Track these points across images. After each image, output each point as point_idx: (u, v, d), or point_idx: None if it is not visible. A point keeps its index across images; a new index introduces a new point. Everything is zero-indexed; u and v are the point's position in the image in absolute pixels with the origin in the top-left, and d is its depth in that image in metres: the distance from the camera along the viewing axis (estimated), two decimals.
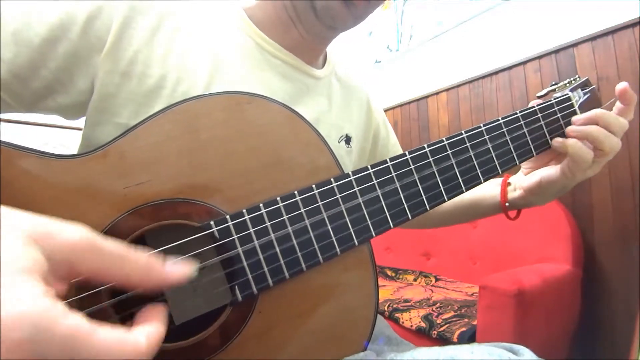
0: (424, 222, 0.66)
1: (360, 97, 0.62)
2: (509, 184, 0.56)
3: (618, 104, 0.48)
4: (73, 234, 0.22)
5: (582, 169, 0.47)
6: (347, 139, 0.57)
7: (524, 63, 1.61)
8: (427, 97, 2.09)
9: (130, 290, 0.24)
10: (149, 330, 0.22)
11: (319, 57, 0.55)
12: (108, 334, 0.19)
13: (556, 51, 1.49)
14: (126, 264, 0.23)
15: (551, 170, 0.49)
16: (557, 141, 0.48)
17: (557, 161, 0.51)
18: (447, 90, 1.97)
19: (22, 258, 0.19)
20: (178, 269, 0.25)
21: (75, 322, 0.19)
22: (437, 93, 2.03)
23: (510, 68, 1.66)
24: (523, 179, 0.53)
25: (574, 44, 1.42)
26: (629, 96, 0.47)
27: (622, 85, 0.47)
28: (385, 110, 2.29)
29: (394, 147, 0.68)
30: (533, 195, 0.52)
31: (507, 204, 0.55)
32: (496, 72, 1.72)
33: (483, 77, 1.78)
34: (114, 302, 0.29)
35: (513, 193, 0.55)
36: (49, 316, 0.18)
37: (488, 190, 0.58)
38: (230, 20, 0.48)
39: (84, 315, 0.19)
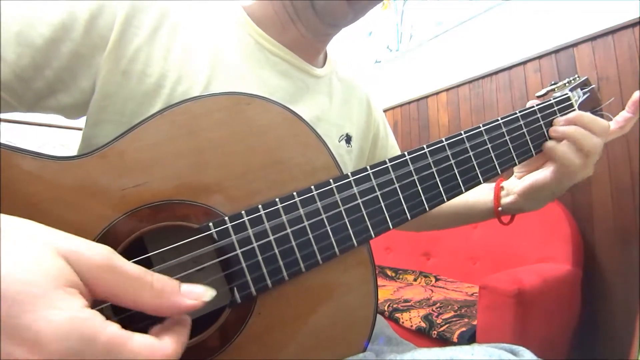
0: (417, 225, 0.66)
1: (360, 97, 0.62)
2: (502, 188, 0.56)
3: (624, 113, 0.49)
4: (98, 254, 0.22)
5: (570, 175, 0.47)
6: (348, 138, 0.57)
7: (524, 63, 1.61)
8: (427, 97, 2.09)
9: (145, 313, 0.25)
10: (175, 335, 0.24)
11: (319, 55, 0.55)
12: (142, 340, 0.21)
13: (556, 51, 1.48)
14: (142, 288, 0.23)
15: (541, 174, 0.50)
16: (548, 145, 0.48)
17: (548, 165, 0.51)
18: (447, 90, 1.97)
19: (57, 270, 0.20)
20: (192, 295, 0.25)
21: (115, 331, 0.20)
22: (437, 93, 2.03)
23: (510, 68, 1.66)
24: (516, 184, 0.53)
25: (574, 44, 1.42)
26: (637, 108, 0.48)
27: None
28: (385, 110, 2.29)
29: (392, 148, 0.68)
30: (525, 199, 0.52)
31: (499, 209, 0.55)
32: (496, 72, 1.72)
33: (483, 77, 1.78)
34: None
35: (506, 198, 0.54)
36: (93, 326, 0.19)
37: (482, 194, 0.58)
38: (230, 18, 0.48)
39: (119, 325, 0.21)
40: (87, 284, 0.22)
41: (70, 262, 0.21)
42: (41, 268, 0.20)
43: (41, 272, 0.20)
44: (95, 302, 0.27)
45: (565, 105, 0.50)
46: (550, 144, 0.47)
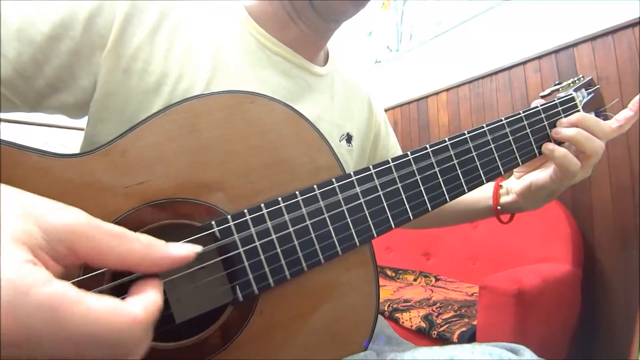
0: (418, 223, 0.66)
1: (362, 97, 0.62)
2: (502, 187, 0.56)
3: (626, 112, 0.48)
4: (72, 215, 0.21)
5: (569, 178, 0.47)
6: (349, 138, 0.57)
7: (524, 63, 1.61)
8: (427, 97, 2.09)
9: (130, 272, 0.23)
10: (144, 299, 0.22)
11: (320, 53, 0.55)
12: (98, 303, 0.19)
13: (556, 51, 1.49)
14: (126, 244, 0.22)
15: (540, 175, 0.50)
16: (548, 148, 0.47)
17: (548, 166, 0.51)
18: (447, 90, 1.97)
19: (14, 229, 0.19)
20: (181, 248, 0.24)
21: (59, 289, 0.18)
22: (437, 93, 2.03)
23: (510, 68, 1.66)
24: (515, 183, 0.54)
25: (574, 44, 1.42)
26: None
27: None
28: (385, 110, 2.28)
29: (393, 147, 0.68)
30: (524, 199, 0.52)
31: (498, 207, 0.55)
32: (496, 72, 1.72)
33: (483, 77, 1.78)
34: (115, 285, 0.28)
35: (505, 197, 0.55)
36: (28, 281, 0.18)
37: (482, 193, 0.58)
38: (232, 17, 0.48)
39: (73, 285, 0.19)
40: (68, 247, 0.21)
41: (41, 223, 0.20)
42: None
43: None
44: (100, 280, 0.27)
45: (569, 106, 0.50)
46: (550, 145, 0.47)
